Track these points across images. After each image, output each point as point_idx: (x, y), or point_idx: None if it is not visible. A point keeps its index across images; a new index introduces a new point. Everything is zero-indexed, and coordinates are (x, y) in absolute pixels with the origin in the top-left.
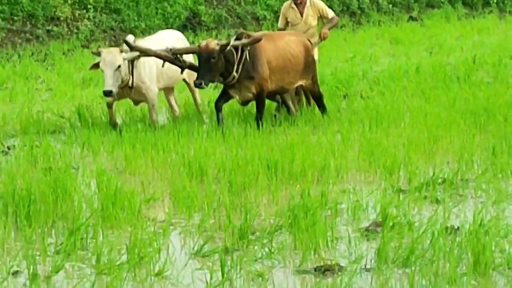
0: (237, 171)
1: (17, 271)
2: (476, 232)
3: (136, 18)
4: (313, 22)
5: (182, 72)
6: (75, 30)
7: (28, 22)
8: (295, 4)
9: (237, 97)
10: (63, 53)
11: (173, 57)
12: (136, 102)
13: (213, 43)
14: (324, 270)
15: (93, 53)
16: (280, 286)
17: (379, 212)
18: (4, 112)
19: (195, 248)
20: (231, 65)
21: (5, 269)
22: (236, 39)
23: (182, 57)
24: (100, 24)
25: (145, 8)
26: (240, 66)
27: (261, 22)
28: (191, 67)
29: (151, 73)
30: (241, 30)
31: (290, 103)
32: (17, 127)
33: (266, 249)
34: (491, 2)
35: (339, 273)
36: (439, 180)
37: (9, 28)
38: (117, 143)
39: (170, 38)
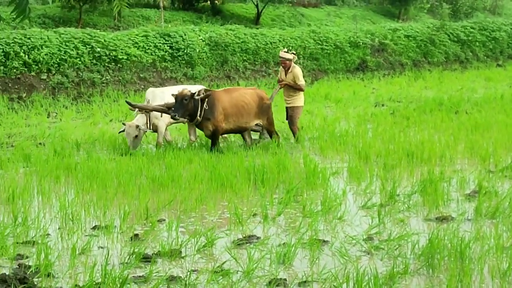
0: (388, 157)
1: (255, 213)
2: None
3: (328, 63)
4: (292, 82)
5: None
6: None
7: (263, 65)
8: (283, 67)
9: (204, 133)
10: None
11: (167, 109)
12: None
13: (186, 91)
14: (442, 219)
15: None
16: (414, 228)
17: (477, 184)
18: None
19: (362, 203)
20: (197, 110)
21: (247, 213)
22: (197, 94)
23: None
24: (306, 67)
25: (334, 57)
26: (202, 112)
27: (404, 66)
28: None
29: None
30: (203, 87)
31: (247, 138)
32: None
33: (406, 205)
34: None
35: (452, 221)
36: None
37: (252, 69)
38: (316, 139)
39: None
